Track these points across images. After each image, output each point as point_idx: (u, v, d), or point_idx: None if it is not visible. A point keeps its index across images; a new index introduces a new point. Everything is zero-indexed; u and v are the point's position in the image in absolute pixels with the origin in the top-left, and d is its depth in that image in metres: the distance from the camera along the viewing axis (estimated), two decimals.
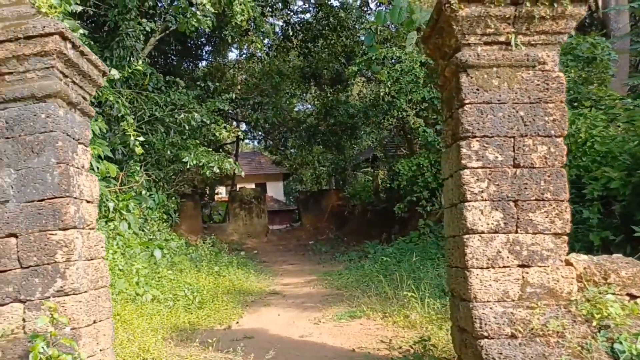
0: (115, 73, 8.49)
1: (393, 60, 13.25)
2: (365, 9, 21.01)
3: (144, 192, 12.24)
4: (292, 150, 26.14)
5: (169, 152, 13.11)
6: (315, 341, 5.83)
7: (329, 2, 19.59)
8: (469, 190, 3.51)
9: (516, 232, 3.50)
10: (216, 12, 11.31)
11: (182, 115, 12.33)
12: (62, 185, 3.46)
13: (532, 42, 3.55)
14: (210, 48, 22.12)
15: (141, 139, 9.63)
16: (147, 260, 9.22)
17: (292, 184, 38.21)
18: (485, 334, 3.39)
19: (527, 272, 3.48)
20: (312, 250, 17.91)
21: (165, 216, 13.73)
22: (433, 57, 4.08)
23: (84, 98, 3.97)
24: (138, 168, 11.77)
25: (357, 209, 20.42)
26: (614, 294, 3.47)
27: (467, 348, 3.63)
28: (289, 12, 20.53)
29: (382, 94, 13.79)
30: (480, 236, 3.49)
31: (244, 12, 11.77)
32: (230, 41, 16.03)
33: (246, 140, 32.73)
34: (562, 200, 3.52)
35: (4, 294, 3.42)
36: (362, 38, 20.75)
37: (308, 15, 20.64)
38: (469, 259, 3.48)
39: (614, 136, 6.86)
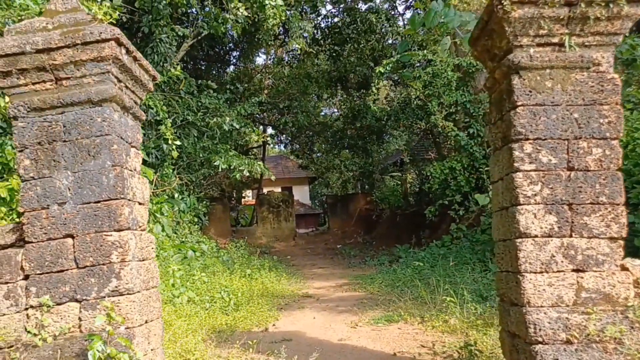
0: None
1: (421, 64, 13.20)
2: (393, 12, 20.99)
3: (176, 195, 12.43)
4: (318, 154, 26.22)
5: (200, 156, 13.29)
6: (354, 345, 5.81)
7: (358, 7, 19.62)
8: (521, 194, 3.47)
9: (570, 236, 3.44)
10: (249, 16, 11.45)
11: (214, 120, 12.49)
12: (117, 188, 3.53)
13: (586, 44, 3.49)
14: (237, 53, 22.37)
15: (178, 143, 9.77)
16: (180, 263, 9.34)
17: (318, 188, 38.26)
18: (540, 339, 3.34)
19: (581, 277, 3.41)
20: (341, 254, 17.88)
21: (195, 219, 13.91)
22: (481, 59, 4.04)
23: (135, 102, 4.05)
24: (171, 172, 11.96)
25: (386, 213, 20.34)
26: None
27: (519, 354, 3.57)
28: (317, 17, 20.63)
29: (412, 97, 13.73)
30: (533, 240, 3.44)
31: (275, 16, 11.89)
32: (264, 45, 16.16)
33: (272, 144, 32.97)
34: (618, 204, 3.45)
35: (61, 294, 3.51)
36: (390, 42, 20.75)
37: (336, 19, 20.70)
38: (522, 263, 3.43)
39: None
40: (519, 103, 3.50)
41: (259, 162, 13.60)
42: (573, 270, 3.42)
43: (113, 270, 3.49)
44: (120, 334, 3.42)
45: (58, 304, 3.51)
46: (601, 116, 3.48)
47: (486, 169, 11.45)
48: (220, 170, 13.34)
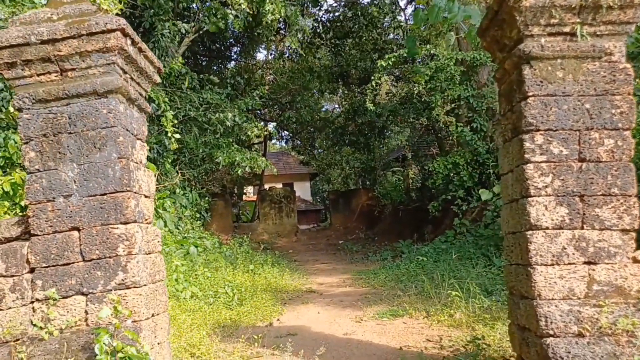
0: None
1: (424, 58, 13.12)
2: (395, 7, 20.88)
3: (178, 190, 12.40)
4: (319, 150, 26.16)
5: (201, 152, 13.23)
6: (360, 339, 5.78)
7: (360, 1, 19.53)
8: (532, 185, 3.43)
9: (582, 228, 3.40)
10: (250, 11, 11.38)
11: (217, 115, 12.43)
12: (124, 180, 3.49)
13: (598, 33, 3.45)
14: (238, 49, 22.27)
15: (177, 135, 9.74)
16: (183, 258, 9.31)
17: (319, 184, 38.22)
18: (551, 332, 3.30)
19: (593, 270, 3.38)
20: (343, 250, 17.85)
21: (197, 215, 13.88)
22: (490, 49, 4.00)
23: (141, 94, 4.01)
24: (173, 167, 11.92)
25: (388, 209, 20.29)
26: None
27: (530, 347, 3.54)
28: (318, 10, 20.53)
29: (415, 92, 13.67)
30: (544, 232, 3.40)
31: (274, 12, 11.82)
32: (264, 40, 16.08)
33: (273, 141, 32.90)
34: (630, 195, 3.41)
35: (68, 287, 3.47)
36: (392, 36, 20.66)
37: (338, 13, 20.61)
38: (532, 255, 3.40)
39: None
40: (530, 93, 3.45)
41: (261, 157, 13.57)
42: (584, 263, 3.39)
43: (119, 263, 3.45)
44: (127, 327, 3.38)
45: (64, 297, 3.47)
46: (613, 106, 3.44)
47: (491, 163, 11.40)
48: (221, 166, 13.30)
